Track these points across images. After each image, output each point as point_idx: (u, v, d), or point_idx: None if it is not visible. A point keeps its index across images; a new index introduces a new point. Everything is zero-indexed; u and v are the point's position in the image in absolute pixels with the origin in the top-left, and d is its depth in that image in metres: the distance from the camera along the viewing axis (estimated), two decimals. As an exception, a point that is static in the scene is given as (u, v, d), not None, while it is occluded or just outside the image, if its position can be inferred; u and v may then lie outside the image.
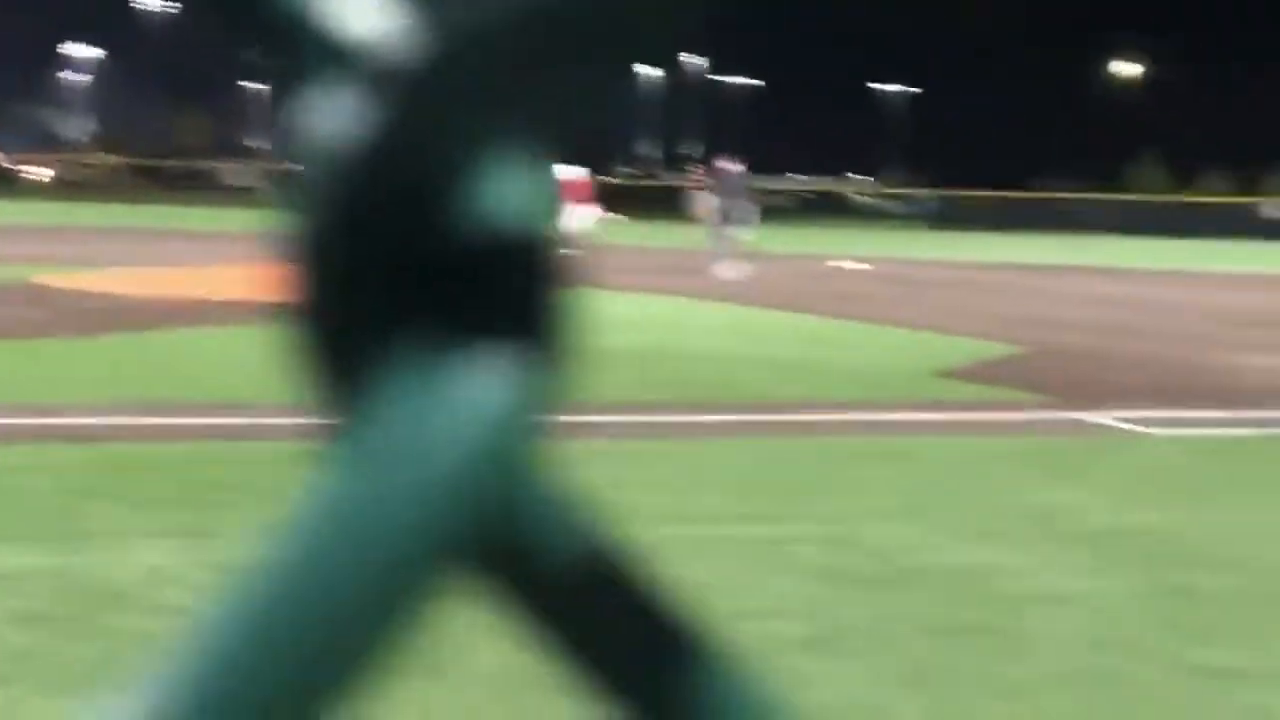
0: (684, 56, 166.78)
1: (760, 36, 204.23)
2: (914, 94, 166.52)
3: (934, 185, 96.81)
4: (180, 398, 10.41)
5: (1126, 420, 11.27)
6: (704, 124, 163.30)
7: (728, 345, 15.56)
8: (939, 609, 5.95)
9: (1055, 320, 20.54)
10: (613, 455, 8.81)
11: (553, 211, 0.40)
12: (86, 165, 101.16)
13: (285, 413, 9.98)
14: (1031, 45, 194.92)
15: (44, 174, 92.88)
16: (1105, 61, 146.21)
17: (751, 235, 29.99)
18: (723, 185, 30.39)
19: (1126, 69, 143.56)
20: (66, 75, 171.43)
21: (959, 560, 6.73)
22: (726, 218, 29.71)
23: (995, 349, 16.36)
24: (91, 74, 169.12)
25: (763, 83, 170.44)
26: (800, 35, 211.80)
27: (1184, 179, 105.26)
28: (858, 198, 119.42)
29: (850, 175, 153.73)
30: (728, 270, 28.14)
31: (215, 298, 18.32)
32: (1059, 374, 14.30)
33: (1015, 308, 22.97)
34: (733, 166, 30.70)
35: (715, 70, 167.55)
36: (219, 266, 23.79)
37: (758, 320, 19.22)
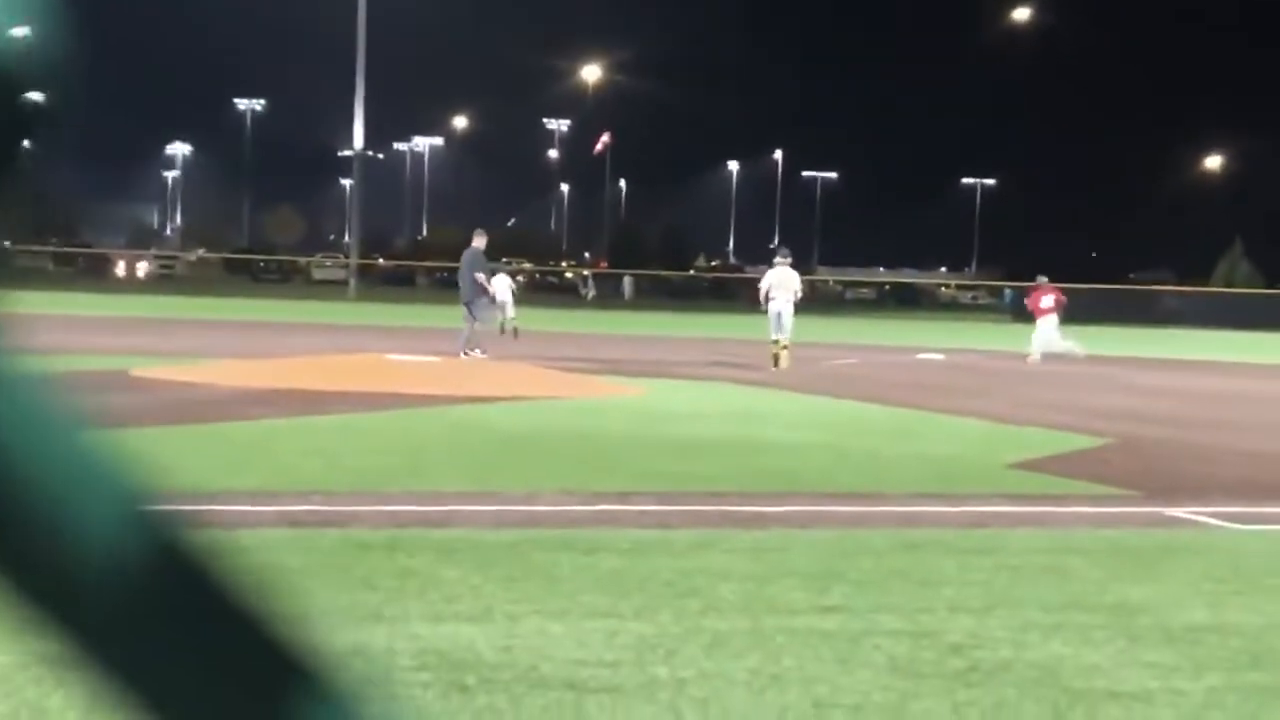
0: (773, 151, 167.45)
1: (839, 130, 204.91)
2: (996, 185, 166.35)
3: (1017, 278, 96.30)
4: (256, 485, 10.54)
5: (1210, 515, 11.14)
6: (784, 216, 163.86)
7: (800, 435, 15.55)
8: (1018, 704, 5.91)
9: (1138, 412, 20.36)
10: (684, 543, 8.84)
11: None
12: (178, 260, 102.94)
13: (361, 501, 10.09)
14: (1113, 135, 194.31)
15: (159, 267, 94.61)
16: (1192, 152, 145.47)
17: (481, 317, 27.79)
18: (462, 262, 27.81)
19: (1213, 160, 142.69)
20: (162, 172, 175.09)
21: (1037, 655, 6.68)
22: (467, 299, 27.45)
23: (1075, 440, 16.24)
24: (184, 171, 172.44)
25: (836, 175, 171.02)
26: (879, 128, 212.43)
27: (1274, 272, 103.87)
28: (940, 290, 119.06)
29: (935, 268, 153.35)
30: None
31: (301, 388, 18.54)
32: (1140, 467, 14.17)
33: (1097, 399, 22.79)
34: (476, 240, 27.98)
35: (795, 163, 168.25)
36: (305, 358, 24.10)
37: (830, 410, 19.19)
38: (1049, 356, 33.16)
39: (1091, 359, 34.78)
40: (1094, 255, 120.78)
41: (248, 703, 0.47)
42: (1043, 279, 34.91)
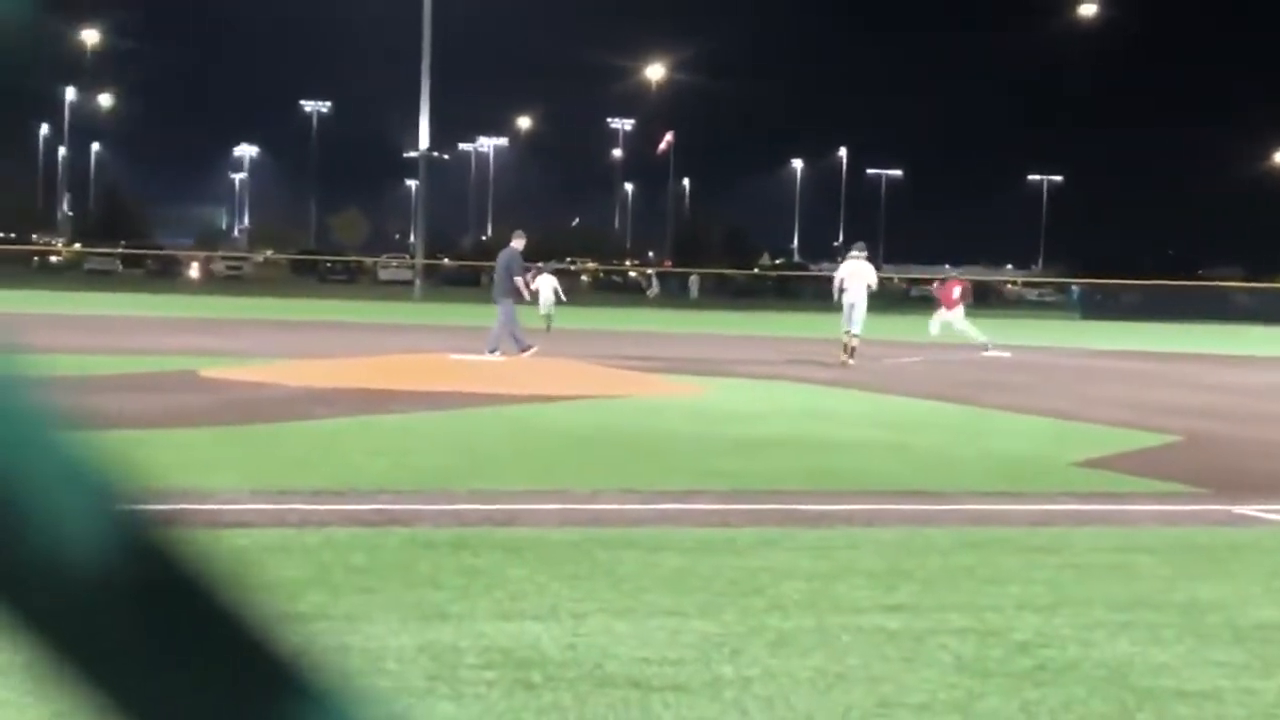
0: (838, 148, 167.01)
1: (904, 126, 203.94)
2: (1063, 182, 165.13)
3: (1087, 274, 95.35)
4: (321, 485, 10.61)
5: (1279, 513, 11.02)
6: (848, 214, 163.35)
7: (864, 434, 15.49)
8: (1086, 703, 5.87)
9: (1206, 409, 20.16)
10: (748, 542, 8.83)
11: None
12: (246, 261, 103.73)
13: (426, 500, 10.14)
14: (1181, 130, 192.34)
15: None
16: (1262, 146, 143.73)
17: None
18: (498, 263, 27.14)
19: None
20: (230, 175, 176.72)
21: (1105, 653, 6.63)
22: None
23: (1142, 438, 16.10)
24: (252, 173, 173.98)
25: (901, 172, 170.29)
26: (944, 124, 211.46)
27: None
28: (1007, 287, 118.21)
29: (1001, 265, 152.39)
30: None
31: (366, 388, 18.64)
32: (1208, 464, 14.03)
33: (1164, 396, 22.58)
34: (515, 241, 27.13)
35: (860, 161, 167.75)
36: (371, 358, 24.24)
37: (894, 408, 19.11)
38: (944, 345, 34.33)
39: (1157, 356, 34.41)
40: (1170, 252, 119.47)
41: (231, 705, 0.46)
42: (949, 270, 36.48)
